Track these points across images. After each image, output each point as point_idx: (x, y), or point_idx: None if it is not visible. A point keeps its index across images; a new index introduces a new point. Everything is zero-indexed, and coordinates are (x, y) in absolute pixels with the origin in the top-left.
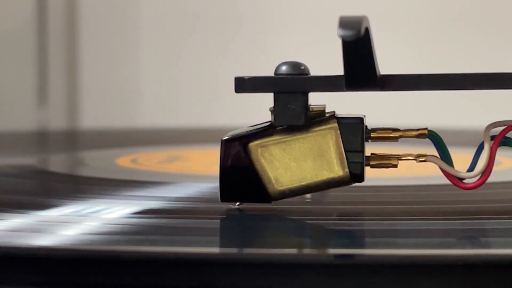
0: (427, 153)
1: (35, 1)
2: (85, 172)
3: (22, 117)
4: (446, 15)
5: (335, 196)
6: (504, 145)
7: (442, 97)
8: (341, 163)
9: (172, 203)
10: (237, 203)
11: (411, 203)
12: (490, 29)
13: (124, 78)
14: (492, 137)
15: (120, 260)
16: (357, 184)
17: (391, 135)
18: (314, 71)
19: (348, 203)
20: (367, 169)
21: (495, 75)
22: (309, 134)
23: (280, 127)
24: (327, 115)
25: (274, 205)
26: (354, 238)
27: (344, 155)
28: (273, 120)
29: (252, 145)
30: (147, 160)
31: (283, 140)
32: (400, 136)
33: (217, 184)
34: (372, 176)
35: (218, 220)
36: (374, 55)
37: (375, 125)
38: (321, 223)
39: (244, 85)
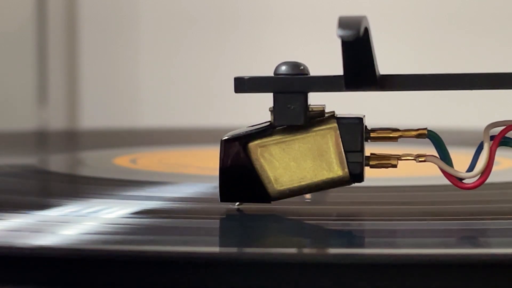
0: (427, 153)
1: (35, 1)
2: (85, 172)
3: (22, 117)
4: (446, 15)
5: (335, 196)
6: (504, 145)
7: (442, 97)
8: (341, 163)
9: (172, 203)
10: (237, 203)
11: (411, 203)
12: (490, 29)
13: (124, 78)
14: (492, 137)
15: (120, 260)
16: (357, 184)
17: (391, 135)
18: (314, 71)
19: (348, 203)
20: (367, 169)
21: (495, 75)
22: (308, 134)
23: (280, 127)
24: (326, 115)
25: (274, 205)
26: (354, 238)
27: (344, 155)
28: (272, 120)
29: (252, 145)
30: (146, 160)
31: (283, 140)
32: (400, 136)
33: (217, 184)
34: (372, 176)
35: (218, 220)
36: (373, 55)
37: (375, 125)
38: (321, 223)
39: (243, 85)
